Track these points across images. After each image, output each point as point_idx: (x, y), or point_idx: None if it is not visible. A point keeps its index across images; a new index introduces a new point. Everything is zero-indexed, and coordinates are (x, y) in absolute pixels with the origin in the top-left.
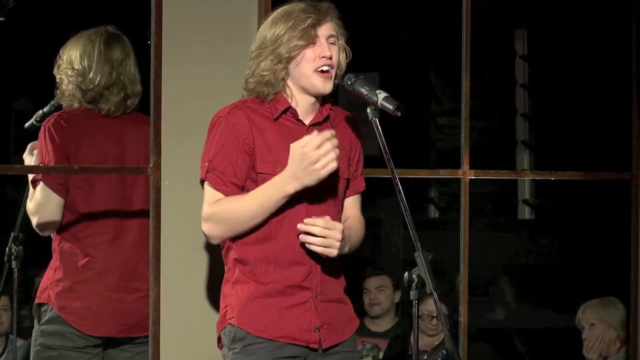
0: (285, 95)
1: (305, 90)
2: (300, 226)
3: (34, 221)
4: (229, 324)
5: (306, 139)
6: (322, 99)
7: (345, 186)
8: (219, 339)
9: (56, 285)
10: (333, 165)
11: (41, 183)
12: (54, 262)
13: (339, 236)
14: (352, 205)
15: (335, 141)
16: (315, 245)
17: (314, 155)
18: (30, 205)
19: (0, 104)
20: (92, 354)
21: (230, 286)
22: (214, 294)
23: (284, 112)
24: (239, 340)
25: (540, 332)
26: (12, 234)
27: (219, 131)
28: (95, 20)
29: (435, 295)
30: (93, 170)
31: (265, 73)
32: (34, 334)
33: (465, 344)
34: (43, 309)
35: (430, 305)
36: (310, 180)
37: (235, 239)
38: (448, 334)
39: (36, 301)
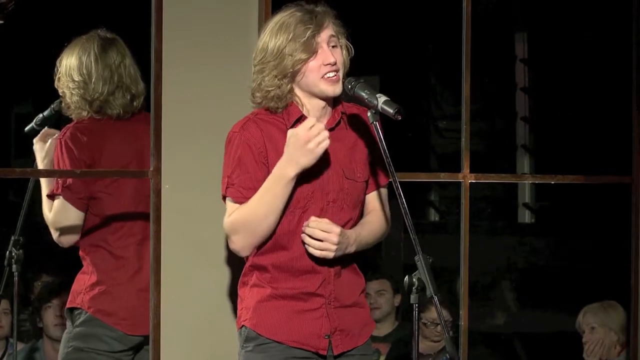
0: (296, 104)
1: (315, 96)
2: (305, 229)
3: (55, 234)
4: (242, 326)
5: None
6: (333, 101)
7: (364, 188)
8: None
9: (91, 289)
10: (326, 143)
11: (60, 197)
12: (87, 267)
13: (335, 240)
14: (372, 199)
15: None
16: (312, 247)
17: (306, 135)
18: (50, 217)
19: (0, 108)
20: None
21: (248, 289)
22: (214, 298)
23: (297, 121)
24: (251, 339)
25: (540, 336)
26: (13, 238)
27: (234, 146)
28: (96, 23)
29: (436, 299)
30: (94, 174)
31: (270, 89)
32: (65, 335)
33: (465, 347)
34: (77, 312)
35: (434, 313)
36: (307, 160)
37: None
38: (449, 338)
39: (68, 305)
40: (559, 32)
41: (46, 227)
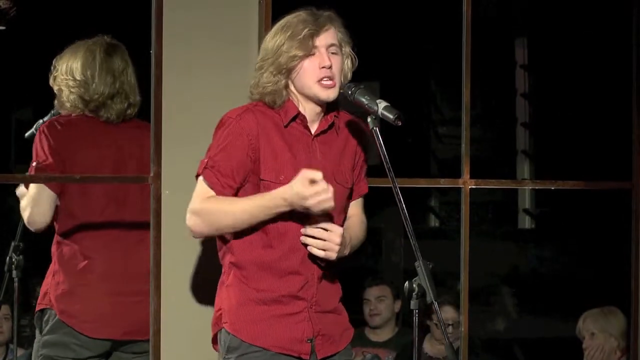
0: (293, 102)
1: (310, 99)
2: (307, 230)
3: (25, 216)
4: (223, 328)
5: (309, 176)
6: (328, 106)
7: (348, 194)
8: (214, 339)
9: (56, 288)
10: (328, 205)
11: None
12: (53, 266)
13: (338, 240)
14: (354, 206)
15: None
16: (315, 247)
17: (313, 201)
18: (23, 201)
19: (0, 113)
20: None
21: (224, 289)
22: (214, 303)
23: (294, 119)
24: (233, 349)
25: (540, 342)
26: (13, 243)
27: (226, 131)
28: (96, 29)
29: (436, 305)
30: (94, 179)
31: (267, 85)
32: (35, 344)
33: (465, 353)
34: (45, 317)
35: (446, 314)
36: (304, 209)
37: (234, 243)
38: (449, 344)
39: (37, 308)
40: (559, 38)
41: (46, 233)
